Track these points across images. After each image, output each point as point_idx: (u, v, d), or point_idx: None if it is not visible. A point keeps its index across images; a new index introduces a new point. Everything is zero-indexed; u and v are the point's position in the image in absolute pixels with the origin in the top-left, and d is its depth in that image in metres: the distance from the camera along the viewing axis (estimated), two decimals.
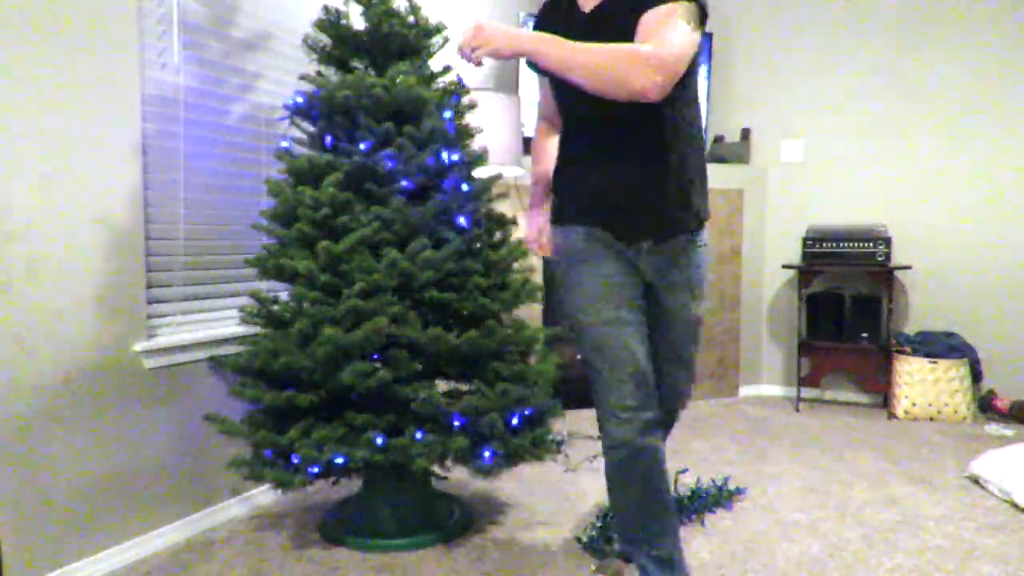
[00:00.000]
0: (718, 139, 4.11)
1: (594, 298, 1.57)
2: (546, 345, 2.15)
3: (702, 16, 1.44)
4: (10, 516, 1.67)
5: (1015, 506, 2.35)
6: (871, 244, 3.60)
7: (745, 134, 4.08)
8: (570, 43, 1.35)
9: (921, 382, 3.48)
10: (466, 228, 1.97)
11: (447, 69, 2.15)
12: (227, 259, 2.26)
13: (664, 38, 1.35)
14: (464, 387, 1.99)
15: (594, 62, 1.33)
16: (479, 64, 1.39)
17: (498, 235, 2.11)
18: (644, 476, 1.56)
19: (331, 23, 2.03)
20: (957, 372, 3.46)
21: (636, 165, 1.53)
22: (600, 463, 2.81)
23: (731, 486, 2.43)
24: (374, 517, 2.08)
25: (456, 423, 1.82)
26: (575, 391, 3.67)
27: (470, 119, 2.15)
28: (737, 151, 4.05)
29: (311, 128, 2.16)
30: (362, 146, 1.90)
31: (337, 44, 2.07)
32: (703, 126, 4.05)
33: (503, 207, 3.46)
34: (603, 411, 1.57)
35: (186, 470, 2.11)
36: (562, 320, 1.64)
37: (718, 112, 4.20)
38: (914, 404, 3.50)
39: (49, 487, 1.75)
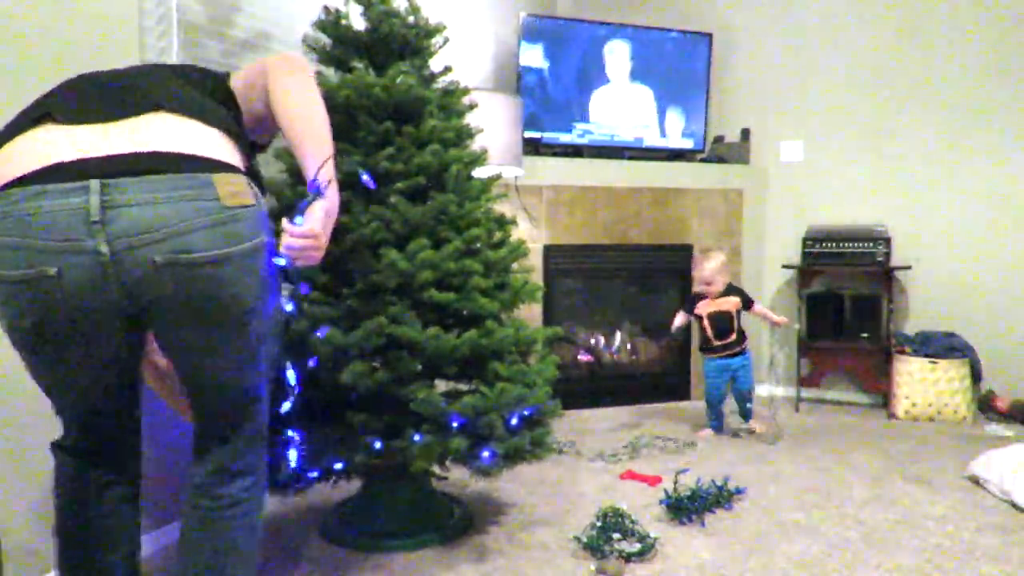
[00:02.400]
0: (718, 139, 4.11)
1: None
2: (546, 345, 2.15)
3: None
4: (10, 516, 1.67)
5: (1015, 506, 2.35)
6: (871, 244, 3.60)
7: (745, 134, 4.08)
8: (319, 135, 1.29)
9: (921, 382, 3.48)
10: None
11: (447, 69, 2.15)
12: None
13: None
14: (463, 387, 1.99)
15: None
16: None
17: (498, 235, 2.11)
18: None
19: (331, 23, 2.03)
20: (957, 372, 3.46)
21: None
22: (602, 463, 2.81)
23: (731, 486, 2.43)
24: (374, 517, 2.08)
25: (455, 423, 1.82)
26: (576, 391, 3.67)
27: (470, 119, 2.15)
28: (737, 151, 4.05)
29: None
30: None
31: (337, 44, 2.06)
32: (703, 128, 4.05)
33: (503, 207, 3.46)
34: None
35: (186, 470, 2.11)
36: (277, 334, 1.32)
37: (718, 112, 4.20)
38: (914, 404, 3.50)
39: (49, 487, 1.74)
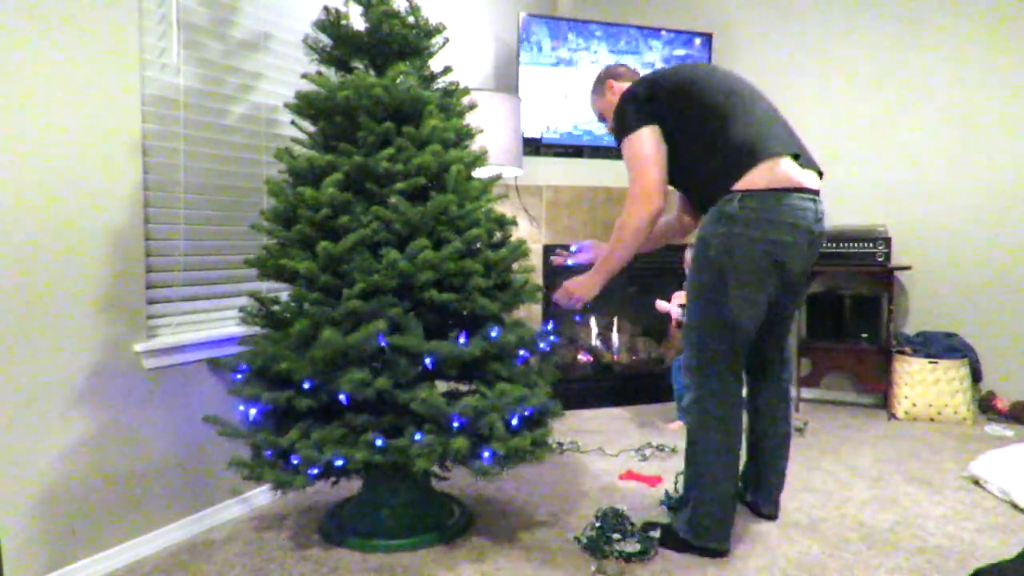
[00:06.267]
0: None
1: None
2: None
3: (636, 106, 2.00)
4: (10, 516, 1.67)
5: (1015, 506, 2.35)
6: (871, 244, 3.60)
7: None
8: (609, 245, 2.06)
9: (921, 382, 3.48)
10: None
11: (447, 69, 2.15)
12: (227, 259, 2.26)
13: (630, 179, 1.99)
14: (464, 388, 1.99)
15: (618, 242, 2.02)
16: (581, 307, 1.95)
17: (498, 235, 2.11)
18: None
19: (331, 23, 2.03)
20: (957, 372, 3.46)
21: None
22: (602, 464, 2.81)
23: None
24: (374, 517, 2.08)
25: (456, 424, 1.82)
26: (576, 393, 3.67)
27: (470, 119, 2.15)
28: None
29: (311, 128, 2.16)
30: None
31: (337, 44, 2.06)
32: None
33: (503, 207, 3.46)
34: None
35: (186, 470, 2.11)
36: None
37: None
38: (914, 404, 3.50)
39: (49, 487, 1.75)
